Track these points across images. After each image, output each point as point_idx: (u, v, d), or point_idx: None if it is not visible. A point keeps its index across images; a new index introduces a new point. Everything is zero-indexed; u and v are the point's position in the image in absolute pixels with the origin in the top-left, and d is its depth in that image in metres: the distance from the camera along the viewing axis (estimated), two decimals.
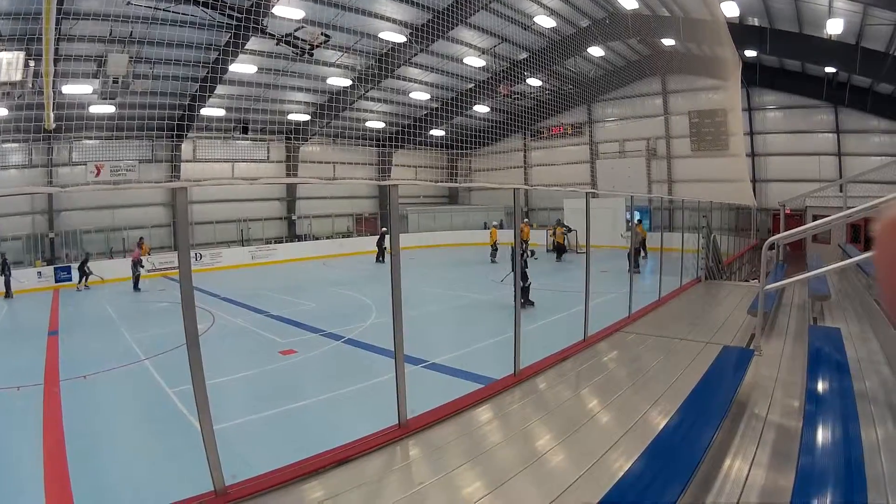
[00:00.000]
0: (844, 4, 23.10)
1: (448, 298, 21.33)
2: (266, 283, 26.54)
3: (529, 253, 17.13)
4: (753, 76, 35.53)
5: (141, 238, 32.04)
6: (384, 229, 34.11)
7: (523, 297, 16.27)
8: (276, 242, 39.90)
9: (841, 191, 26.05)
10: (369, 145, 45.79)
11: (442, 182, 50.98)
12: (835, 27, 25.20)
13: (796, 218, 30.01)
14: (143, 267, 25.48)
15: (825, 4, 23.89)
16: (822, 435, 4.69)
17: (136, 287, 25.74)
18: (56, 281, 28.10)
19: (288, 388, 11.08)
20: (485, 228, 36.50)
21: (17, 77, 21.64)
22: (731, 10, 27.31)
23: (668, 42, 35.48)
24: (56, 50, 22.43)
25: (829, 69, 31.04)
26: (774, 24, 28.77)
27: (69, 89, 25.87)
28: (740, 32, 28.27)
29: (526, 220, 30.56)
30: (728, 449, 5.75)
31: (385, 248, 32.07)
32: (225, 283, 26.24)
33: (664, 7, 31.18)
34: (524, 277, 16.19)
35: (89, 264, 28.13)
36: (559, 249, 32.29)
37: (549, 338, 11.36)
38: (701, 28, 27.90)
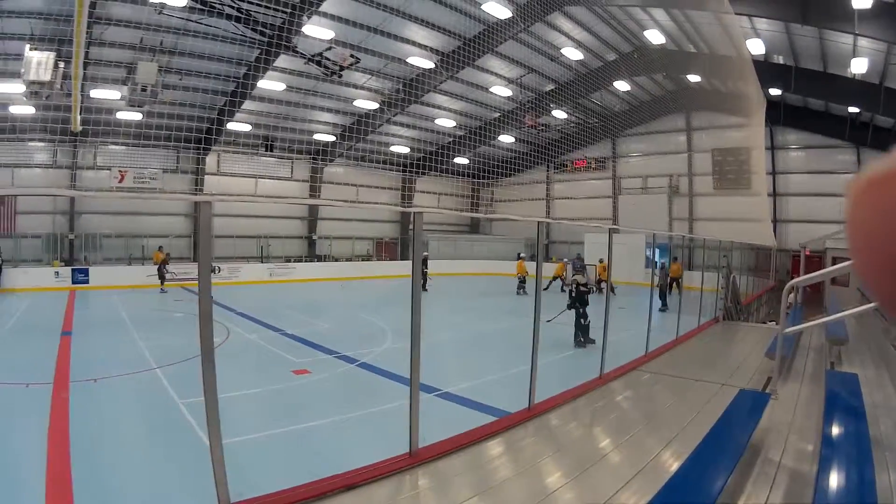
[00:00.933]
0: (869, 43, 23.19)
1: (465, 327, 21.27)
2: (283, 301, 26.55)
3: (594, 288, 16.54)
4: (777, 115, 35.52)
5: (160, 247, 32.31)
6: (426, 254, 33.18)
7: (583, 335, 15.89)
8: (295, 261, 39.92)
9: None
10: (393, 170, 46.06)
11: (465, 211, 51.02)
12: (859, 66, 25.30)
13: (816, 260, 29.88)
14: (217, 272, 25.15)
15: (850, 43, 23.99)
16: (836, 480, 4.67)
17: None
18: (73, 282, 28.31)
19: (299, 408, 11.04)
20: (519, 258, 35.88)
21: (47, 77, 21.84)
22: (756, 48, 27.43)
23: (693, 78, 35.53)
24: (86, 54, 22.70)
25: (853, 109, 31.03)
26: (799, 63, 28.85)
27: (97, 94, 26.30)
28: (765, 70, 28.32)
29: (564, 259, 29.92)
30: (741, 492, 5.71)
31: (426, 271, 31.23)
32: (242, 299, 26.26)
33: (691, 43, 31.25)
34: (584, 315, 15.83)
35: (168, 266, 28.67)
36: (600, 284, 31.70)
37: (564, 372, 11.33)
38: (726, 65, 27.92)
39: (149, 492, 7.14)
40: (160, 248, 32.47)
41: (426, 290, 29.65)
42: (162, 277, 28.71)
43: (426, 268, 30.93)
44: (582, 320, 15.61)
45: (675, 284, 25.31)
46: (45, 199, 31.02)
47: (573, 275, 16.19)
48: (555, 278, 31.12)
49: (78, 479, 7.23)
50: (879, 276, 0.70)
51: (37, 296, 25.06)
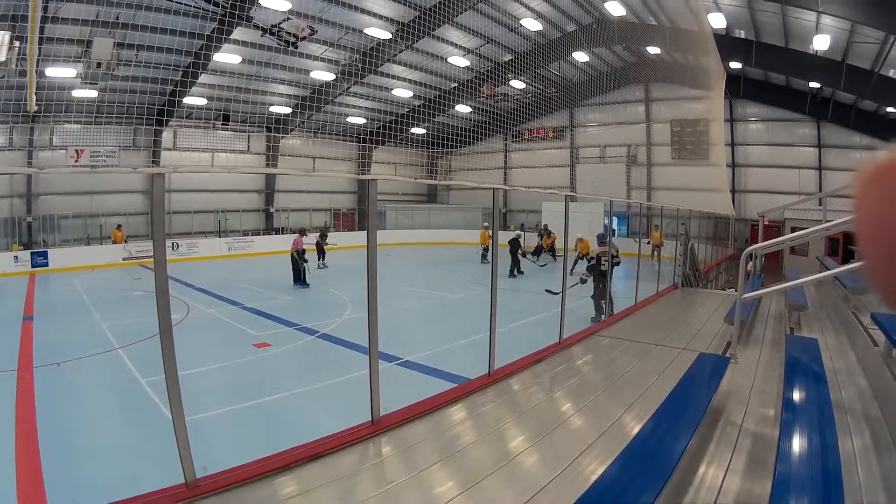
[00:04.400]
0: (832, 21, 23.37)
1: (424, 297, 21.34)
2: (242, 275, 26.39)
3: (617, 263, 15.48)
4: (737, 88, 35.78)
5: (119, 225, 31.92)
6: (518, 234, 30.02)
7: (610, 307, 15.27)
8: (253, 234, 39.76)
9: (820, 204, 26.25)
10: (350, 141, 45.75)
11: (422, 179, 50.98)
12: (821, 43, 25.48)
13: (775, 229, 30.20)
14: (306, 261, 23.79)
15: (812, 21, 24.16)
16: (798, 444, 4.68)
17: (298, 280, 23.47)
18: (32, 266, 27.70)
19: (261, 381, 11.01)
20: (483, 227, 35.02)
21: (2, 57, 21.38)
22: (718, 22, 27.53)
23: (653, 50, 35.60)
24: (41, 30, 22.18)
25: (814, 84, 31.30)
26: (761, 38, 29.02)
27: (53, 72, 25.56)
28: (726, 44, 28.48)
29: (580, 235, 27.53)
30: (703, 455, 5.74)
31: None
32: (200, 274, 26.06)
33: (651, 15, 31.29)
34: (603, 294, 15.24)
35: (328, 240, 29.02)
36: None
37: (523, 339, 11.34)
38: (687, 38, 28.00)
39: (116, 471, 7.13)
40: (119, 226, 32.15)
41: (521, 272, 27.55)
42: (321, 252, 28.47)
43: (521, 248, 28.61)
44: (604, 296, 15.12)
45: (656, 252, 25.55)
46: (1, 184, 30.35)
47: (598, 246, 15.64)
48: (582, 257, 28.66)
49: (47, 462, 7.21)
50: (886, 263, 0.70)
51: None
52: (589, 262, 15.68)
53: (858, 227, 0.72)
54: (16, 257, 27.73)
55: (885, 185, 0.69)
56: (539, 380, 8.71)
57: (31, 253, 28.36)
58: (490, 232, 24.74)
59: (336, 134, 43.18)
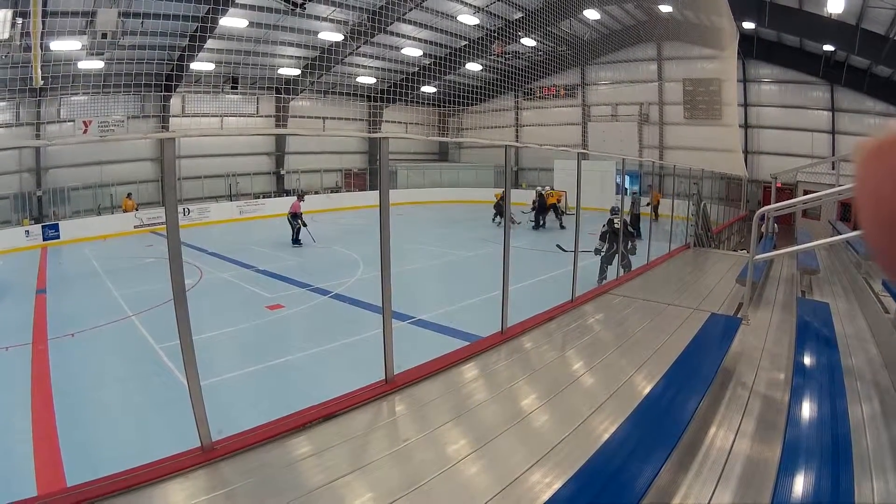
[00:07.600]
0: None
1: (436, 255, 21.39)
2: (254, 238, 26.46)
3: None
4: (750, 48, 35.48)
5: (129, 193, 32.03)
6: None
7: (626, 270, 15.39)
8: (264, 197, 39.69)
9: (833, 168, 26.08)
10: (360, 101, 45.44)
11: (433, 137, 50.77)
12: (835, 6, 25.11)
13: (787, 192, 30.04)
14: (304, 223, 24.19)
15: None
16: (808, 409, 4.70)
17: (295, 241, 24.37)
18: (44, 239, 27.67)
19: (275, 342, 11.12)
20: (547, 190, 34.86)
21: (5, 35, 21.35)
22: None
23: (664, 9, 35.22)
24: (45, 2, 22.03)
25: (828, 47, 30.94)
26: None
27: (57, 45, 25.33)
28: (739, 3, 28.09)
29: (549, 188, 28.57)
30: (713, 417, 5.75)
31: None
32: (213, 238, 26.13)
33: None
34: (609, 259, 15.50)
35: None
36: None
37: (536, 297, 11.36)
38: None
39: (132, 437, 7.22)
40: (129, 194, 32.20)
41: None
42: (557, 211, 28.88)
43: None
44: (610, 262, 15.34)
45: (654, 211, 25.67)
46: (10, 158, 30.22)
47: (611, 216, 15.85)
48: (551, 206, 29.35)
49: (63, 432, 7.31)
50: (886, 237, 0.71)
51: (9, 257, 24.48)
52: (602, 228, 15.72)
53: (858, 201, 0.75)
54: (27, 231, 27.66)
55: (885, 160, 0.71)
56: (551, 338, 8.73)
57: (42, 226, 28.31)
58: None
59: (345, 94, 42.97)
